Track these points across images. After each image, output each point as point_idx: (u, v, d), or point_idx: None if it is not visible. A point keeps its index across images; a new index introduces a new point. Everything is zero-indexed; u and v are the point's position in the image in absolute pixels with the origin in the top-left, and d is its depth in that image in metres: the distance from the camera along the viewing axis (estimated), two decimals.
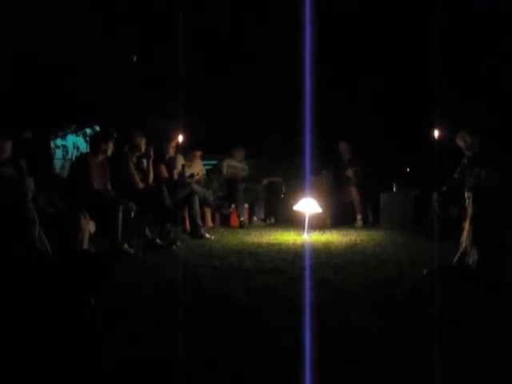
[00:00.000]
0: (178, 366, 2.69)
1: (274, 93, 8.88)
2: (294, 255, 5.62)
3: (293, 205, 7.53)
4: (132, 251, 5.76)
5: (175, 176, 7.52)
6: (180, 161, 7.73)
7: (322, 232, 7.40)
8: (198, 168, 7.99)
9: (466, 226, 4.46)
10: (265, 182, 8.81)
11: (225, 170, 8.72)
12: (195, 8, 7.90)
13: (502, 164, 5.68)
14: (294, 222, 7.86)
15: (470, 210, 4.45)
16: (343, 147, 8.70)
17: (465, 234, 4.46)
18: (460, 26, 8.05)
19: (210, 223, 8.15)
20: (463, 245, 4.45)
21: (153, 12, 8.43)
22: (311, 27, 5.82)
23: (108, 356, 2.85)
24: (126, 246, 5.78)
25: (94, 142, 6.28)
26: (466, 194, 4.51)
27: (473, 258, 4.36)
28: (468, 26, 8.10)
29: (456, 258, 4.46)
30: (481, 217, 4.38)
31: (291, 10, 6.55)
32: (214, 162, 9.21)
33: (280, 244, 6.43)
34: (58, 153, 10.84)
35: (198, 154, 8.07)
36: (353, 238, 6.91)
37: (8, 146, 5.03)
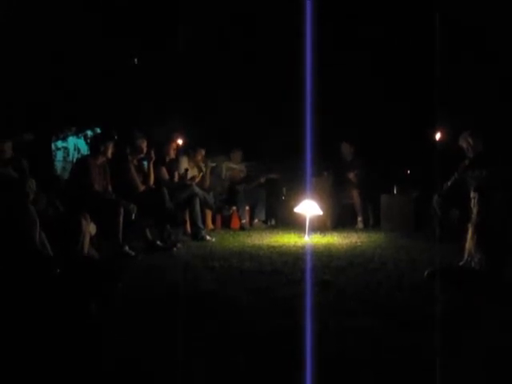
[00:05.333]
0: (178, 367, 2.69)
1: (273, 93, 8.87)
2: (294, 257, 5.61)
3: (293, 207, 7.53)
4: (133, 253, 5.75)
5: (176, 178, 7.52)
6: (184, 162, 7.74)
7: (322, 234, 7.40)
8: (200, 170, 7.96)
9: (470, 227, 4.45)
10: (262, 180, 8.82)
11: (223, 172, 8.72)
12: (195, 8, 7.89)
13: (505, 164, 5.67)
14: (294, 223, 7.86)
15: (474, 211, 4.44)
16: (345, 148, 8.69)
17: (469, 235, 4.45)
18: (461, 25, 8.06)
19: (210, 225, 8.16)
20: (468, 247, 4.44)
21: (153, 12, 8.43)
22: (312, 26, 5.82)
23: (108, 356, 2.85)
24: (126, 248, 5.77)
25: (94, 143, 6.27)
26: (472, 194, 4.51)
27: (476, 259, 4.35)
28: (469, 25, 8.10)
29: (463, 262, 4.45)
30: (485, 217, 4.38)
31: (292, 10, 6.55)
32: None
33: (281, 246, 6.42)
34: (59, 155, 10.87)
35: (202, 152, 8.05)
36: (353, 240, 6.91)
37: (8, 146, 5.04)
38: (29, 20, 7.68)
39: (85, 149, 10.34)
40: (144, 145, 6.62)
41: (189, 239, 7.03)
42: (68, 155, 11.10)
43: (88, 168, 5.91)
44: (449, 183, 6.56)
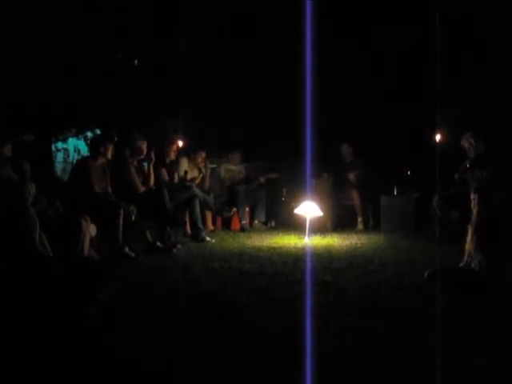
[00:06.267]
0: (177, 367, 2.68)
1: (273, 93, 8.87)
2: (294, 258, 5.61)
3: (294, 208, 7.52)
4: (133, 254, 5.75)
5: (176, 179, 7.52)
6: (184, 163, 7.73)
7: (322, 235, 7.38)
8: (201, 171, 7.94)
9: (470, 228, 4.44)
10: (262, 180, 8.81)
11: (222, 174, 8.71)
12: (195, 8, 7.89)
13: (505, 165, 5.67)
14: (294, 225, 7.84)
15: (474, 212, 4.43)
16: (345, 149, 8.69)
17: (469, 237, 4.44)
18: (461, 25, 8.06)
19: (210, 226, 8.15)
20: (467, 248, 4.43)
21: (153, 12, 8.43)
22: (312, 26, 5.84)
23: (108, 356, 2.85)
24: (126, 249, 5.77)
25: (94, 145, 6.28)
26: (472, 196, 4.50)
27: (476, 260, 4.35)
28: (469, 25, 8.10)
29: (463, 263, 4.45)
30: (485, 218, 4.37)
31: (292, 10, 6.56)
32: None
33: (281, 247, 6.41)
34: (59, 156, 10.86)
35: (202, 154, 8.05)
36: (354, 242, 6.90)
37: (8, 149, 5.04)
38: (29, 20, 7.68)
39: (85, 150, 10.32)
40: (144, 146, 6.61)
41: (189, 240, 7.03)
42: (68, 156, 11.09)
43: (88, 169, 5.91)
44: (450, 184, 6.57)
